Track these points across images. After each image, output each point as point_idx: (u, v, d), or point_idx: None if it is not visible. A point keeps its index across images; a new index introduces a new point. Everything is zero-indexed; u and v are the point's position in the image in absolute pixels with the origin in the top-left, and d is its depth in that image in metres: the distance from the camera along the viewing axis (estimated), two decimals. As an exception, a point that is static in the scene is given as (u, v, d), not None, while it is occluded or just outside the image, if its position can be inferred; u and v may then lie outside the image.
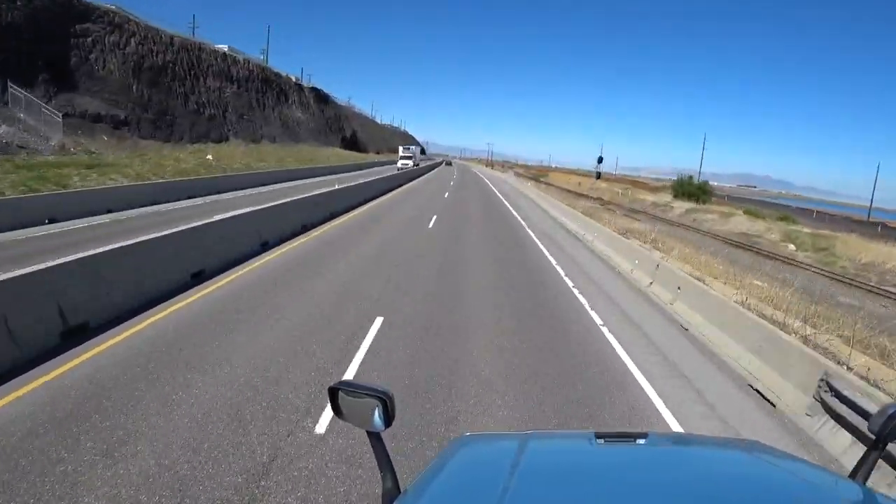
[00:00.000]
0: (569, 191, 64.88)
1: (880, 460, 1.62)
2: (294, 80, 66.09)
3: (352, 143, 77.94)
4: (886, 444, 1.32)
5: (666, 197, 63.84)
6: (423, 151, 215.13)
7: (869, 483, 1.27)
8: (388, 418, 1.35)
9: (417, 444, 4.44)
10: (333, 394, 1.42)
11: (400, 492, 1.27)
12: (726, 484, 1.16)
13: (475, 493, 1.11)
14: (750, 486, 1.14)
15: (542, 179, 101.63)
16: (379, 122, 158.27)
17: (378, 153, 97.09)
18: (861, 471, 1.30)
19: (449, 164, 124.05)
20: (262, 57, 66.50)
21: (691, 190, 60.71)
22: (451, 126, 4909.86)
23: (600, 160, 43.94)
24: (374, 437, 1.38)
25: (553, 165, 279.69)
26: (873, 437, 1.31)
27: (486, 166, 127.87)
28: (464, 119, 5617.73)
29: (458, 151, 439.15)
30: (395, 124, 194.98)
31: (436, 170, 72.52)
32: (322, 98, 72.97)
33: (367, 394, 1.37)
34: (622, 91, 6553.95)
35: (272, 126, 52.39)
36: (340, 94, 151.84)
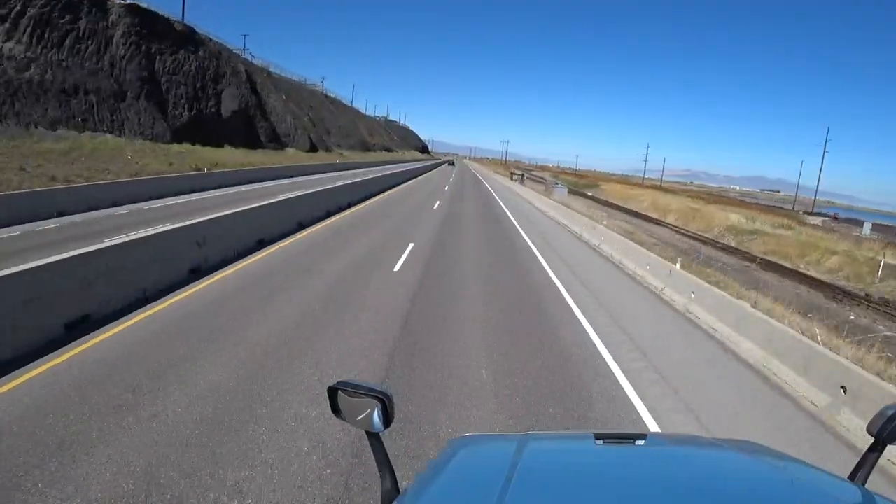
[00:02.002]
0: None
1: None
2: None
3: (243, 131, 38.68)
4: (886, 446, 1.31)
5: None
6: (424, 150, 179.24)
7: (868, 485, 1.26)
8: (388, 419, 1.34)
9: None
10: (332, 393, 1.40)
11: (399, 492, 1.26)
12: (725, 485, 1.16)
13: (474, 494, 1.10)
14: (749, 488, 1.14)
15: (592, 194, 62.54)
16: (369, 113, 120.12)
17: (327, 152, 58.36)
18: (860, 472, 1.30)
19: (451, 164, 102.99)
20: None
21: None
22: (461, 124, 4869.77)
23: None
24: (373, 438, 1.37)
25: (577, 168, 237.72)
26: (872, 438, 1.31)
27: (514, 177, 60.72)
28: (475, 116, 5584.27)
29: (468, 151, 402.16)
30: (393, 118, 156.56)
31: (401, 187, 33.52)
32: (164, 33, 33.69)
33: (366, 394, 1.35)
34: (628, 86, 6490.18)
35: None
36: (310, 76, 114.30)
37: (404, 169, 44.87)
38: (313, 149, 50.00)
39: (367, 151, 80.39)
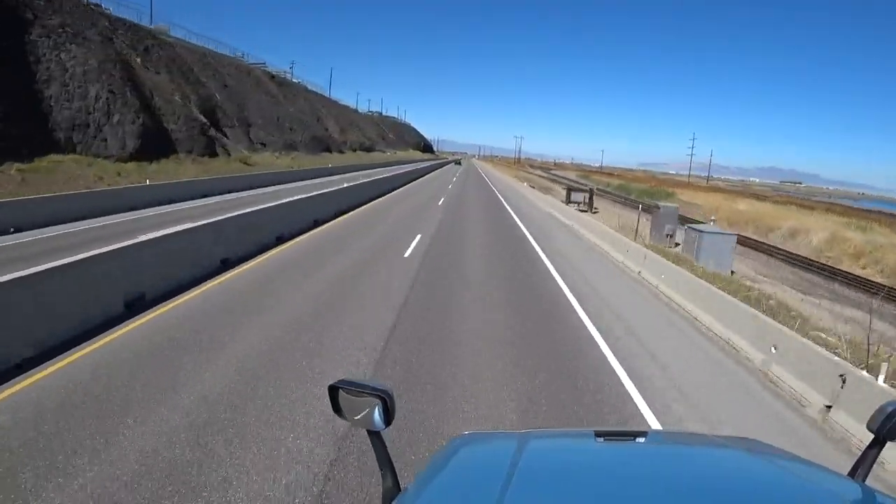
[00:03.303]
0: None
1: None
2: None
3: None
4: (886, 443, 1.28)
5: None
6: (427, 149, 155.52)
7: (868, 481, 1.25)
8: (388, 417, 1.32)
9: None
10: (333, 392, 1.37)
11: (400, 490, 1.26)
12: (726, 482, 1.14)
13: (475, 492, 1.09)
14: (749, 485, 1.12)
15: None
16: (361, 109, 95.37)
17: (211, 157, 33.91)
18: (860, 469, 1.28)
19: (458, 163, 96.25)
20: None
21: None
22: (467, 122, 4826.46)
23: None
24: (374, 436, 1.35)
25: (602, 166, 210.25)
26: (872, 435, 1.29)
27: (574, 198, 31.59)
28: (482, 114, 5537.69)
29: (476, 149, 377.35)
30: (392, 114, 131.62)
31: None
32: None
33: (367, 392, 1.33)
34: (630, 81, 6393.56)
35: None
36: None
37: (325, 192, 20.05)
38: (150, 153, 24.41)
39: (326, 152, 55.46)
